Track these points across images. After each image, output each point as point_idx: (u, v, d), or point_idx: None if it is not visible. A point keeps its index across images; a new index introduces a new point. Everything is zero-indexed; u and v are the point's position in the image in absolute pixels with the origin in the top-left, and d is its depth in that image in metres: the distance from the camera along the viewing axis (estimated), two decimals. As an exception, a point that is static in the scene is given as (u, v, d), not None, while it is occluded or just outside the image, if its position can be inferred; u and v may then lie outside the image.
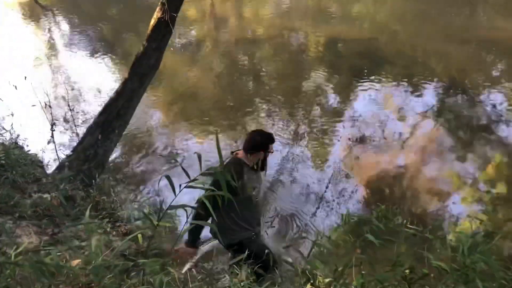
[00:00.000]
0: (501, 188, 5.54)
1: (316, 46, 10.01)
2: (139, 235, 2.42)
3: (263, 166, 3.24)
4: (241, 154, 3.21)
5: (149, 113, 6.75)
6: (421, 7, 13.19)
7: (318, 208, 4.93)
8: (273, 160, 5.47)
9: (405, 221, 3.27)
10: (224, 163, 3.07)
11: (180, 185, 2.34)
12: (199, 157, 2.48)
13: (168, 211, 2.12)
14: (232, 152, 3.34)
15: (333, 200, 5.04)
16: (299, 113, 6.84)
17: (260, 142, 3.16)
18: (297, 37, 10.56)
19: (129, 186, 4.68)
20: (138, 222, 3.16)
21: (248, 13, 12.23)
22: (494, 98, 7.99)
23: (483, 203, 5.26)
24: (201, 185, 2.25)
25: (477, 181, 5.68)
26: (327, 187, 5.23)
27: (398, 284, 2.50)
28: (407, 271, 2.53)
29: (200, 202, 2.27)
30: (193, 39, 10.12)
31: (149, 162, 5.50)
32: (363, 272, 2.54)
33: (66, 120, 5.44)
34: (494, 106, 7.65)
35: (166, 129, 6.33)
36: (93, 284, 1.96)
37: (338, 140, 6.22)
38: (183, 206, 2.27)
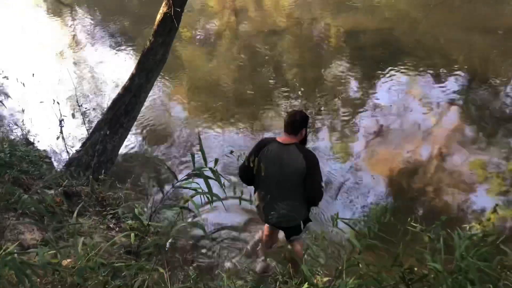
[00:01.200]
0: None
1: (336, 37, 9.86)
2: (132, 234, 2.43)
3: (305, 142, 3.48)
4: (282, 138, 3.39)
5: (169, 106, 6.79)
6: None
7: (335, 200, 4.88)
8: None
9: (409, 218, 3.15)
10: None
11: (172, 185, 2.34)
12: (193, 157, 2.47)
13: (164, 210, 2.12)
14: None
15: (350, 193, 4.98)
16: (319, 104, 6.78)
17: (300, 121, 3.36)
18: (318, 28, 10.43)
19: (137, 182, 4.71)
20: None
21: (268, 4, 12.13)
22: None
23: (504, 199, 5.11)
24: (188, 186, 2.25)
25: (500, 175, 5.51)
26: (345, 180, 5.18)
27: (397, 285, 2.44)
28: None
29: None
30: (213, 31, 10.12)
31: (165, 154, 5.52)
32: (361, 272, 2.49)
33: (80, 114, 5.50)
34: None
35: (185, 121, 6.34)
36: (79, 286, 1.97)
37: (358, 131, 6.14)
38: (171, 207, 2.27)
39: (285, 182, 3.32)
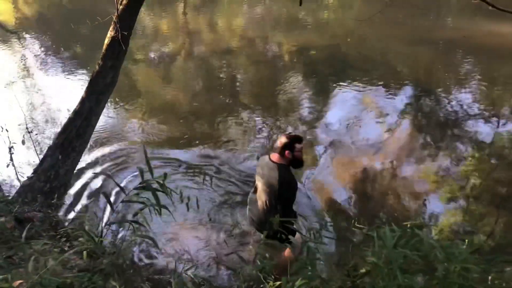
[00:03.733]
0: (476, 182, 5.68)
1: (289, 54, 10.15)
2: (84, 252, 2.47)
3: (297, 164, 3.66)
4: (274, 155, 3.65)
5: (122, 127, 6.76)
6: (388, 11, 13.43)
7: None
8: (250, 165, 5.59)
9: (353, 221, 3.33)
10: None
11: (121, 200, 2.40)
12: (141, 171, 2.55)
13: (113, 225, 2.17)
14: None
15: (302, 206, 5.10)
16: (275, 120, 6.93)
17: (283, 144, 3.58)
18: (271, 46, 10.70)
19: (93, 203, 4.69)
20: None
21: (221, 24, 12.36)
22: (461, 96, 8.19)
23: (451, 200, 5.39)
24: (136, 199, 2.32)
25: (449, 178, 5.81)
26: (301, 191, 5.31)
27: (343, 282, 2.57)
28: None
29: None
30: (168, 53, 10.18)
31: (119, 171, 5.51)
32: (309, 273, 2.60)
33: (31, 141, 5.43)
34: (461, 103, 7.84)
35: (143, 141, 6.34)
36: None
37: (312, 145, 6.31)
38: (122, 222, 2.33)
39: (265, 194, 3.61)
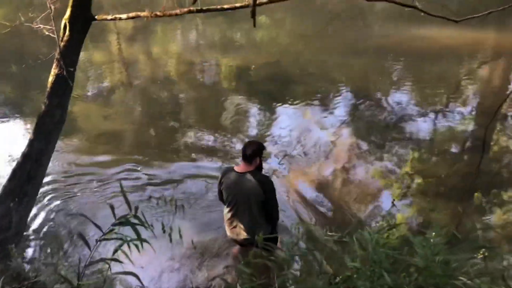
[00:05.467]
0: (418, 181, 5.98)
1: (229, 75, 10.26)
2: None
3: (261, 169, 3.86)
4: (239, 167, 3.78)
5: (72, 163, 6.49)
6: (318, 26, 14.02)
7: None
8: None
9: (325, 229, 3.43)
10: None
11: (96, 240, 2.33)
12: (112, 208, 2.48)
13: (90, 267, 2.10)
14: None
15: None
16: (222, 141, 6.94)
17: (253, 151, 3.72)
18: (210, 69, 10.76)
19: (53, 248, 4.47)
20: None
21: (157, 51, 12.27)
22: (397, 98, 8.66)
23: (403, 197, 5.66)
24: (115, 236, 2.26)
25: (396, 178, 6.09)
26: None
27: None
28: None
29: None
30: (106, 85, 9.92)
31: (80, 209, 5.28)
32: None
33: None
34: (398, 105, 8.29)
35: (88, 175, 6.12)
36: None
37: (265, 160, 6.36)
38: (101, 260, 2.26)
39: (245, 206, 3.71)
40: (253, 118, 7.92)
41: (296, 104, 8.40)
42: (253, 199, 3.67)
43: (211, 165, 6.24)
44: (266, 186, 3.69)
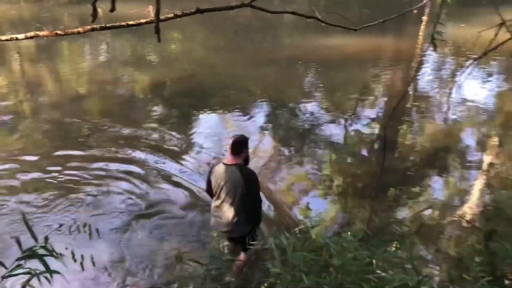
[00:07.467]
0: (337, 182, 6.25)
1: (144, 91, 10.05)
2: None
3: (247, 161, 3.98)
4: (227, 159, 3.90)
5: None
6: (229, 38, 14.27)
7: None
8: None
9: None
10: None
11: (2, 277, 2.18)
12: (18, 241, 2.33)
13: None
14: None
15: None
16: (143, 160, 6.73)
17: (240, 144, 3.89)
18: (123, 86, 10.45)
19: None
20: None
21: (65, 71, 11.68)
22: (310, 104, 9.04)
23: (320, 199, 5.88)
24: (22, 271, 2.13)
25: (319, 180, 6.33)
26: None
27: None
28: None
29: None
30: (9, 110, 9.19)
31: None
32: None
33: None
34: (311, 111, 8.64)
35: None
36: None
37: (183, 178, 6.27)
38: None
39: (229, 197, 3.82)
40: (171, 132, 7.70)
41: (215, 115, 8.51)
42: (238, 191, 3.78)
43: (130, 188, 6.01)
44: (249, 179, 3.81)
